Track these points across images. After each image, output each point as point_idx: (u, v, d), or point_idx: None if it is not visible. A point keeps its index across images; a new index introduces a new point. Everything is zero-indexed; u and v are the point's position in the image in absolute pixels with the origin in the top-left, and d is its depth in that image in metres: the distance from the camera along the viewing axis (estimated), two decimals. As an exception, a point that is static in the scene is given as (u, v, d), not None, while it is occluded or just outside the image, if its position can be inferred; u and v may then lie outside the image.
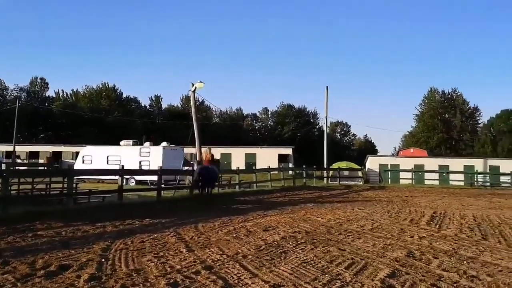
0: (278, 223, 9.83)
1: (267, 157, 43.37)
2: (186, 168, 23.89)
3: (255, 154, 46.84)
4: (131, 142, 31.06)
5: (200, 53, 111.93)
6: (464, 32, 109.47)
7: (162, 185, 16.25)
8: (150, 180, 24.51)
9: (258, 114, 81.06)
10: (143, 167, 26.62)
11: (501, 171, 35.73)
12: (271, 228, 8.96)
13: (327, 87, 41.06)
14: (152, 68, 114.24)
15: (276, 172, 29.16)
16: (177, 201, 15.39)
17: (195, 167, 18.19)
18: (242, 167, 36.63)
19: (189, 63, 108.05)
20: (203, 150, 19.55)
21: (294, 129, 71.47)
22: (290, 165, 43.53)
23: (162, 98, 75.43)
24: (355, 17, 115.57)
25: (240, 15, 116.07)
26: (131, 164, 25.59)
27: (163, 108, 75.25)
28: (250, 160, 44.79)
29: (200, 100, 54.21)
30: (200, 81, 20.86)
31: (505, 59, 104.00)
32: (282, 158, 46.35)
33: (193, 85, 21.03)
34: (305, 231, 8.56)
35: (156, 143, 31.24)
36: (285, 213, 12.05)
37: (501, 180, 33.67)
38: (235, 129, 71.22)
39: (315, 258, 6.09)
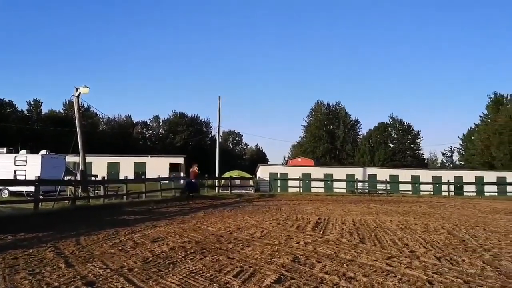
0: (167, 233, 9.58)
1: (158, 166, 42.33)
2: (68, 177, 22.34)
3: (145, 163, 45.54)
4: (4, 149, 28.28)
5: (85, 57, 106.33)
6: (344, 52, 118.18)
7: (41, 197, 14.98)
8: (26, 191, 22.52)
9: (148, 122, 79.17)
10: (19, 177, 24.32)
11: (378, 179, 39.07)
12: (159, 239, 8.69)
13: (219, 96, 41.69)
14: (30, 70, 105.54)
15: (167, 181, 28.55)
16: (57, 214, 14.28)
17: (78, 177, 17.19)
18: (131, 176, 35.33)
19: (74, 66, 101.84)
20: (194, 167, 24.82)
21: (187, 138, 70.93)
22: (182, 174, 43.02)
23: (42, 102, 69.49)
24: (244, 27, 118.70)
25: (136, 20, 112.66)
26: (5, 173, 23.31)
27: (43, 113, 69.53)
28: (140, 169, 43.44)
29: (86, 106, 51.49)
30: (85, 86, 19.71)
31: (380, 76, 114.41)
32: (173, 167, 45.64)
33: (77, 89, 19.79)
34: (195, 241, 8.43)
35: (34, 151, 28.93)
36: (175, 223, 11.80)
37: (377, 187, 36.82)
38: (124, 137, 68.60)
39: (204, 267, 6.01)
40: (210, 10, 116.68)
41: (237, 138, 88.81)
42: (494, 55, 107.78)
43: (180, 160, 47.96)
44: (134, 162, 45.49)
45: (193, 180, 23.94)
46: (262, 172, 42.48)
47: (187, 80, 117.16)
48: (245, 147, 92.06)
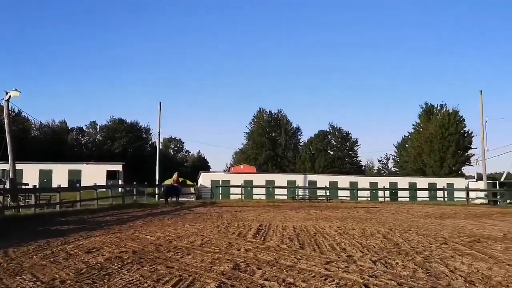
0: (103, 243, 9.20)
1: (94, 174, 40.80)
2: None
3: (80, 170, 43.86)
4: None
5: (16, 59, 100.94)
6: (286, 59, 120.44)
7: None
8: None
9: (85, 128, 76.23)
10: None
11: (318, 185, 39.95)
12: (94, 250, 8.31)
13: (160, 102, 41.06)
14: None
15: (104, 189, 27.55)
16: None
17: (7, 185, 16.23)
18: (65, 184, 33.71)
19: (3, 68, 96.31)
20: (175, 175, 27.96)
21: (125, 144, 68.97)
22: (120, 182, 41.75)
23: (-36, 106, 64.90)
24: (186, 32, 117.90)
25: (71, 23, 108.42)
26: None
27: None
28: (74, 177, 41.74)
29: (16, 111, 48.87)
30: (16, 89, 18.68)
31: (320, 85, 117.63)
32: (111, 174, 44.23)
33: (7, 93, 18.76)
34: (132, 251, 8.15)
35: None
36: (111, 232, 11.36)
37: (318, 194, 37.63)
38: (58, 143, 65.56)
39: (141, 278, 5.80)
40: (150, 13, 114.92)
41: (178, 145, 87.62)
42: (426, 67, 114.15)
43: (118, 167, 46.57)
44: (69, 170, 43.70)
45: (175, 185, 27.30)
46: (204, 179, 42.19)
47: (126, 85, 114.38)
48: (186, 154, 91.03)
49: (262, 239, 10.01)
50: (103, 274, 6.05)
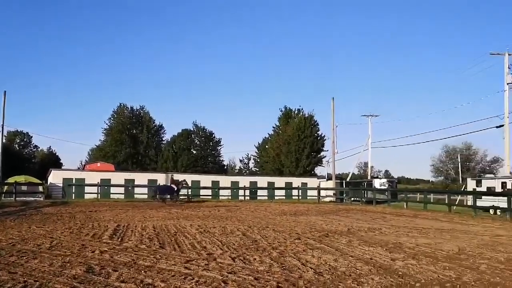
0: None
1: None
2: None
3: None
4: None
5: None
6: (146, 55, 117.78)
7: None
8: None
9: None
10: None
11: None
12: None
13: (4, 91, 36.85)
14: None
15: None
16: None
17: None
18: None
19: None
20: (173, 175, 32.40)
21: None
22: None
23: None
24: (44, 22, 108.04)
25: None
26: None
27: None
28: None
29: None
30: None
31: (183, 83, 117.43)
32: None
33: None
34: (-36, 257, 7.10)
35: None
36: None
37: (180, 193, 37.26)
38: None
39: (-26, 288, 5.08)
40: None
41: (25, 139, 79.30)
42: (286, 73, 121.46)
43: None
44: None
45: (167, 185, 30.14)
46: (55, 177, 38.78)
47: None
48: (34, 149, 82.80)
49: (119, 239, 9.57)
50: None
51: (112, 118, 71.72)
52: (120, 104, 72.94)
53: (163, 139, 75.81)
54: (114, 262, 6.84)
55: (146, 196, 33.17)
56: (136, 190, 35.50)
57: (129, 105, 73.13)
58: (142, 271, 6.13)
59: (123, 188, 34.94)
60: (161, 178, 41.89)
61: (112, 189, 34.20)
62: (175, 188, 28.65)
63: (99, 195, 31.26)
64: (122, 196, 32.91)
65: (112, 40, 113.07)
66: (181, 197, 30.12)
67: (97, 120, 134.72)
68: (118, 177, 40.21)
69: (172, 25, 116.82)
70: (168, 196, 28.42)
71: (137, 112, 73.52)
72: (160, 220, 15.01)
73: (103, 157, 64.40)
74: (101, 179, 37.06)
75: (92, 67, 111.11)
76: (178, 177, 32.91)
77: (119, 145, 68.65)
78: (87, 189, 33.31)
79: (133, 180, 39.63)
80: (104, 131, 71.88)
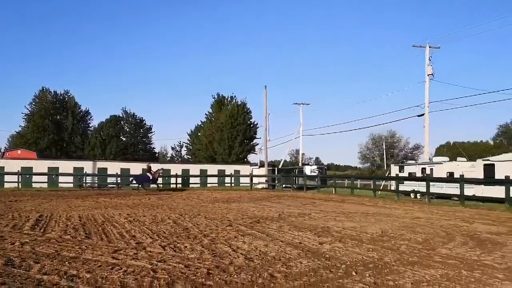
0: None
1: None
2: None
3: None
4: None
5: None
6: (67, 36, 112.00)
7: None
8: None
9: None
10: None
11: (109, 172, 38.23)
12: None
13: None
14: None
15: None
16: None
17: None
18: None
19: None
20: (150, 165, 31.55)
21: None
22: None
23: None
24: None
25: None
26: None
27: None
28: None
29: None
30: None
31: (110, 68, 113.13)
32: None
33: None
34: None
35: None
36: None
37: (108, 181, 36.10)
38: None
39: None
40: None
41: None
42: (218, 60, 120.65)
43: None
44: None
45: (142, 174, 30.05)
46: (-31, 166, 36.00)
47: None
48: None
49: (42, 230, 9.10)
50: None
51: (33, 103, 67.48)
52: (43, 88, 68.73)
53: (90, 125, 72.63)
54: (36, 253, 6.49)
55: (71, 186, 31.75)
56: (61, 178, 33.82)
57: (52, 90, 69.17)
58: (66, 263, 5.86)
59: (46, 177, 33.18)
60: (87, 166, 40.23)
61: (34, 178, 32.34)
62: (151, 177, 28.81)
63: (19, 184, 29.50)
64: (46, 185, 31.27)
65: (37, 20, 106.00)
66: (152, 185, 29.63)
67: (18, 105, 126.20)
68: (41, 165, 38.06)
69: (102, 6, 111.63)
70: (146, 183, 29.04)
71: (61, 97, 69.69)
72: (86, 209, 14.45)
73: (24, 144, 60.59)
74: (22, 167, 34.97)
75: (11, 49, 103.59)
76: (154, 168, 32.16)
77: (41, 132, 64.78)
78: (6, 177, 31.38)
79: (57, 168, 37.66)
80: (25, 117, 67.52)
